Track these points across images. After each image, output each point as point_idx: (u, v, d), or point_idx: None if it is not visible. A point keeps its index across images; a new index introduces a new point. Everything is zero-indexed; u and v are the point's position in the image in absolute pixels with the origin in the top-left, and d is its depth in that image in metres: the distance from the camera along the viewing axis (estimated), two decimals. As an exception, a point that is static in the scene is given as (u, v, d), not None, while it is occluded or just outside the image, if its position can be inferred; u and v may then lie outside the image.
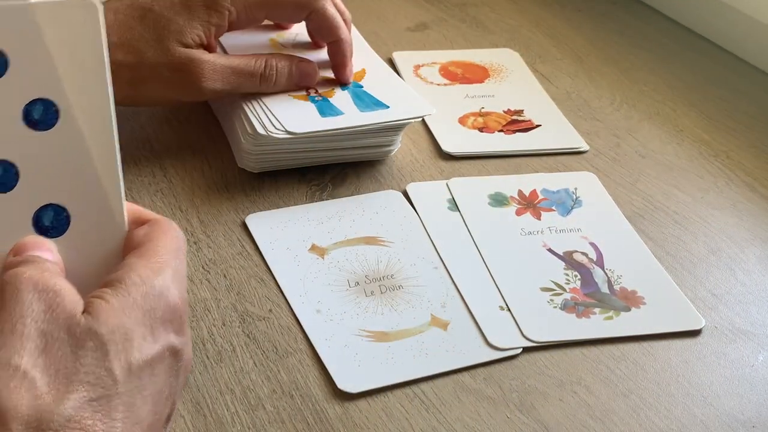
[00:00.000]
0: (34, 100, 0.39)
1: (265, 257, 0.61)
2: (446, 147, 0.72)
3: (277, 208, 0.65)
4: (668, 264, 0.64)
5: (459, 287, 0.60)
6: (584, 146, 0.75)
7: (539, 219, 0.66)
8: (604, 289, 0.61)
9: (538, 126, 0.76)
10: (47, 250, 0.39)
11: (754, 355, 0.58)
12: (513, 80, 0.83)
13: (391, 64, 0.82)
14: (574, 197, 0.69)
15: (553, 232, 0.65)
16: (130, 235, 0.41)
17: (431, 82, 0.79)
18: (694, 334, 0.59)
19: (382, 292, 0.59)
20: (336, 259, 0.61)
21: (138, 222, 0.42)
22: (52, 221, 0.40)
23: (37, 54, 0.38)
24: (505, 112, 0.78)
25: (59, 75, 0.39)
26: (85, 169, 0.40)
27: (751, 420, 0.54)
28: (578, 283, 0.61)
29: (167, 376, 0.38)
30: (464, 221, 0.65)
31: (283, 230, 0.63)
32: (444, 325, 0.57)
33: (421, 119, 0.73)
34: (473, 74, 0.82)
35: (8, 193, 0.40)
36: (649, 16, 0.97)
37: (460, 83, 0.81)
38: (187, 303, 0.41)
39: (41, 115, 0.39)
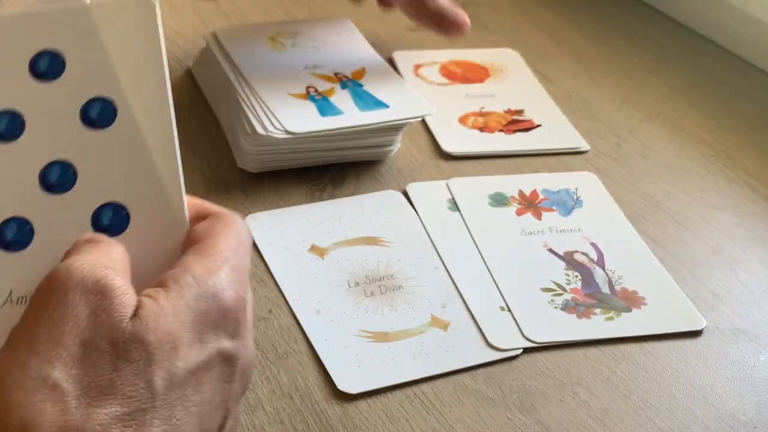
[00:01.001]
0: (91, 99, 0.38)
1: (265, 257, 0.61)
2: (447, 147, 0.72)
3: (277, 208, 0.65)
4: (669, 264, 0.64)
5: (459, 287, 0.60)
6: (585, 146, 0.75)
7: (540, 219, 0.66)
8: (605, 289, 0.61)
9: (538, 126, 0.76)
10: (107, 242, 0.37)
11: (755, 356, 0.58)
12: (513, 80, 0.83)
13: (392, 63, 0.81)
14: (575, 197, 0.69)
15: (553, 233, 0.65)
16: (190, 231, 0.39)
17: (432, 82, 0.79)
18: (695, 334, 0.59)
19: (382, 293, 0.59)
20: (336, 259, 0.61)
21: (200, 216, 0.40)
22: (111, 220, 0.39)
23: (95, 53, 0.38)
24: (505, 111, 0.78)
25: (116, 73, 0.38)
26: (144, 166, 0.39)
27: (753, 421, 0.54)
28: (579, 283, 0.61)
29: (217, 384, 0.35)
30: (464, 221, 0.65)
31: (282, 230, 0.63)
32: (444, 326, 0.57)
33: (421, 119, 0.73)
34: (473, 74, 0.82)
35: (67, 193, 0.38)
36: (650, 15, 0.97)
37: (461, 83, 0.81)
38: (248, 302, 0.38)
39: (99, 113, 0.38)
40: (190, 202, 0.40)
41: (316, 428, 0.50)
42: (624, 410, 0.54)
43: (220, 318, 0.35)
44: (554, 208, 0.68)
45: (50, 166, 0.38)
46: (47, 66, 0.37)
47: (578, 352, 0.57)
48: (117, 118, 0.38)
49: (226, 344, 0.35)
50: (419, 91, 0.72)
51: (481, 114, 0.77)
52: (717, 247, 0.67)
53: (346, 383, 0.53)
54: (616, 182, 0.71)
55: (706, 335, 0.59)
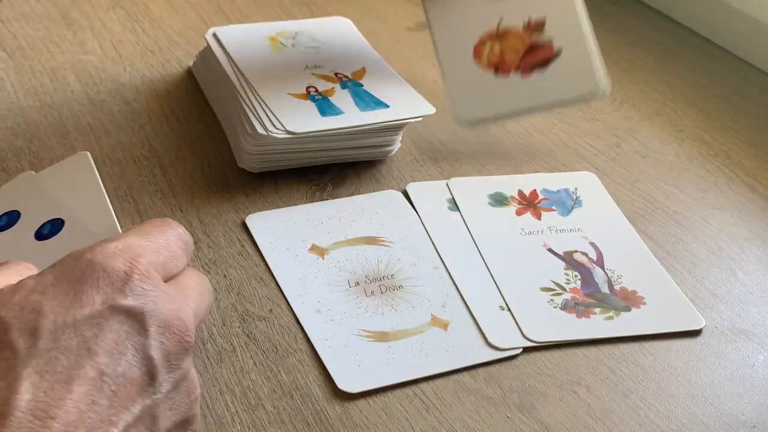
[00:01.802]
0: (43, 223, 0.48)
1: (265, 257, 0.61)
2: (460, 112, 0.69)
3: (277, 208, 0.65)
4: (668, 264, 0.64)
5: (459, 287, 0.60)
6: (603, 88, 0.67)
7: (539, 219, 0.66)
8: (605, 289, 0.61)
9: (557, 55, 0.68)
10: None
11: (754, 355, 0.58)
12: None
13: None
14: (575, 197, 0.69)
15: (553, 232, 0.65)
16: None
17: None
18: (694, 334, 0.59)
19: (382, 292, 0.59)
20: (336, 259, 0.61)
21: None
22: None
23: (43, 200, 0.48)
24: (525, 27, 0.69)
25: (63, 202, 0.48)
26: (88, 241, 0.45)
27: (752, 420, 0.54)
28: (578, 283, 0.61)
29: (121, 335, 0.38)
30: (464, 221, 0.65)
31: (283, 230, 0.63)
32: (444, 325, 0.57)
33: (421, 119, 0.73)
34: None
35: None
36: (649, 16, 0.97)
37: None
38: (152, 270, 0.41)
39: (49, 230, 0.48)
40: None
41: (316, 427, 0.51)
42: (623, 409, 0.54)
43: (102, 279, 0.39)
44: (554, 207, 0.68)
45: None
46: (6, 222, 0.49)
47: (578, 352, 0.57)
48: (65, 226, 0.47)
49: (119, 299, 0.38)
50: None
51: (498, 36, 0.69)
52: (716, 246, 0.67)
53: (346, 382, 0.53)
54: (615, 182, 0.72)
55: (705, 335, 0.59)
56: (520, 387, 0.54)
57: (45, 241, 0.47)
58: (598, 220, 0.67)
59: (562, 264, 0.63)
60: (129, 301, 0.39)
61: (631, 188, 0.71)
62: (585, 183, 0.71)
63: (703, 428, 0.53)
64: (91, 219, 0.47)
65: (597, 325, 0.58)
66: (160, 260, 0.42)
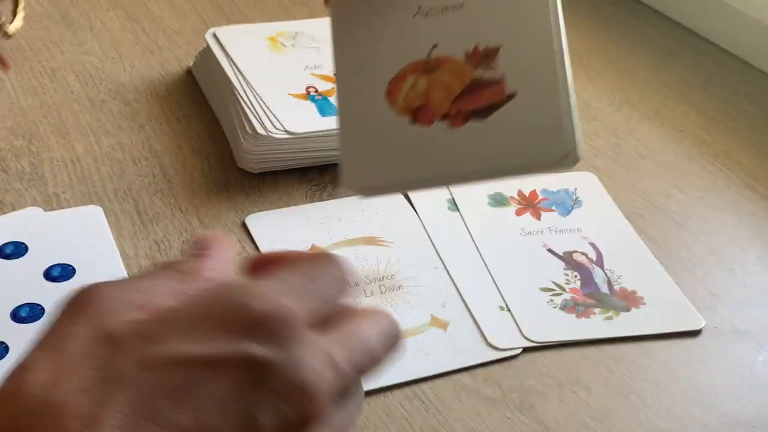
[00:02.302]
0: (52, 264, 0.52)
1: (265, 257, 0.61)
2: (352, 173, 0.44)
3: (277, 208, 0.65)
4: (668, 264, 0.64)
5: (459, 287, 0.60)
6: (574, 150, 0.39)
7: (539, 219, 0.66)
8: (604, 289, 0.61)
9: (508, 99, 0.41)
10: None
11: (753, 356, 0.58)
12: None
13: None
14: (574, 197, 0.69)
15: (552, 232, 0.65)
16: None
17: None
18: (693, 334, 0.59)
19: (381, 293, 0.59)
20: (336, 259, 0.61)
21: None
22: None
23: (53, 243, 0.52)
24: (468, 56, 0.42)
25: (74, 249, 0.52)
26: None
27: (751, 420, 0.54)
28: (578, 283, 0.61)
29: (224, 384, 0.33)
30: (464, 221, 0.65)
31: (282, 230, 0.63)
32: (444, 326, 0.57)
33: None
34: None
35: (36, 322, 0.50)
36: (649, 16, 0.97)
37: None
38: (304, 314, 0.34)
39: (59, 273, 0.52)
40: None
41: (316, 427, 0.50)
42: (623, 410, 0.54)
43: (234, 319, 0.34)
44: (553, 208, 0.68)
45: (20, 307, 0.51)
46: (12, 251, 0.52)
47: (577, 352, 0.57)
48: (76, 275, 0.51)
49: (245, 346, 0.33)
50: None
51: (428, 67, 0.43)
52: (715, 247, 0.67)
53: (346, 383, 0.53)
54: (615, 182, 0.72)
55: (705, 335, 0.59)
56: (519, 387, 0.54)
57: (56, 284, 0.50)
58: (598, 220, 0.67)
59: (562, 264, 0.63)
60: (255, 349, 0.33)
61: (631, 188, 0.71)
62: (585, 183, 0.71)
63: (703, 428, 0.53)
64: (103, 273, 0.49)
65: (596, 326, 0.59)
66: (310, 306, 0.35)
